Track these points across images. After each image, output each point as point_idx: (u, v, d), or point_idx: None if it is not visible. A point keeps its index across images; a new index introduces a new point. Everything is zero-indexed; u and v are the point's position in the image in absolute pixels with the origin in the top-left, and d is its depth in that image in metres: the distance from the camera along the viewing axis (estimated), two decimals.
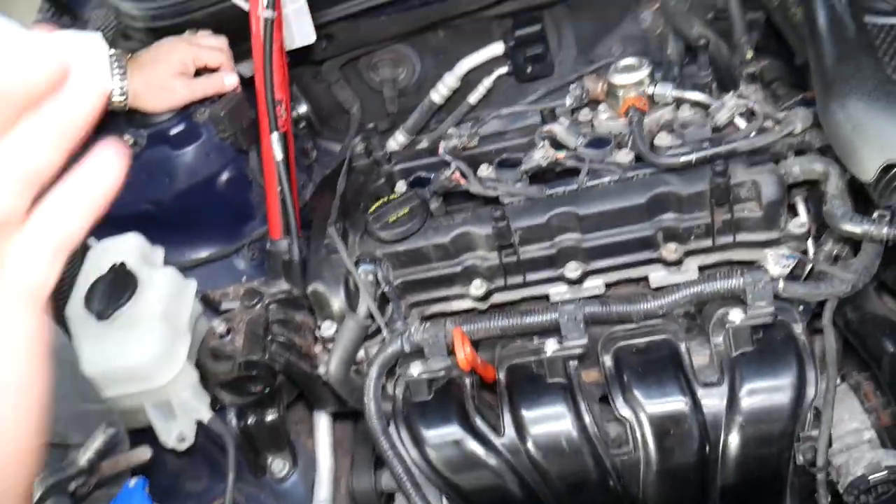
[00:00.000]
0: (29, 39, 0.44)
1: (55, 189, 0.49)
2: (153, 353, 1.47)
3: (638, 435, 1.27)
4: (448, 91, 2.07)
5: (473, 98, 2.08)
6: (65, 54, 0.45)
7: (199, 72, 1.72)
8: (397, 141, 2.14)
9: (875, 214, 1.21)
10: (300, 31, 1.68)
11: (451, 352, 1.30)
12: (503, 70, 2.04)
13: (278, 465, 1.69)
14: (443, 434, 1.31)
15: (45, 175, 0.48)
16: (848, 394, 1.37)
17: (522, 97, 2.11)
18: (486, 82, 2.05)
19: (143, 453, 1.43)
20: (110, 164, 0.51)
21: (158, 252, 1.69)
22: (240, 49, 1.74)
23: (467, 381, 1.35)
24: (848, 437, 1.32)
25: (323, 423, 1.69)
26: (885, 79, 1.17)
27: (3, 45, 0.43)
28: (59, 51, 0.45)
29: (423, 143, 2.12)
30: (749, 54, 1.60)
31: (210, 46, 1.71)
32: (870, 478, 1.25)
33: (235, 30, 1.66)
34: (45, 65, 0.44)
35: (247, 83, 1.79)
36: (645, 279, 1.42)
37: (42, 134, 0.46)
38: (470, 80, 2.07)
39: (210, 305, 1.72)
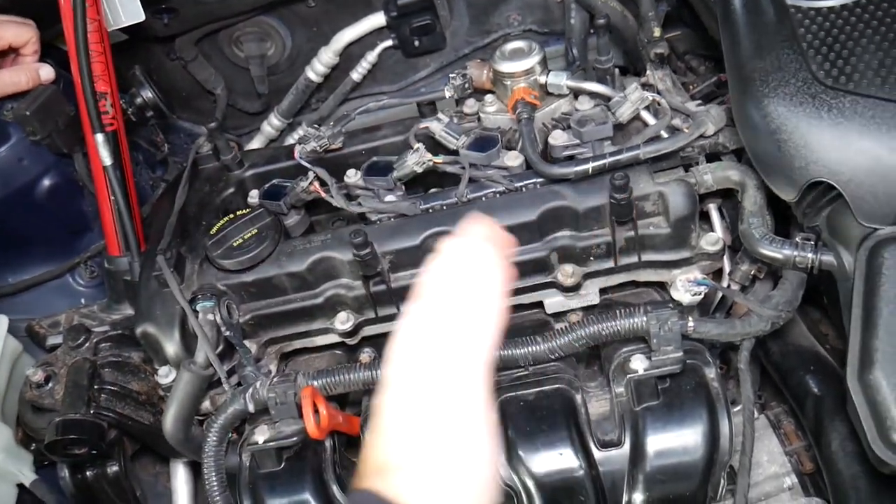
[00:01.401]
0: None
1: None
2: None
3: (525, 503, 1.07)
4: (325, 68, 1.79)
5: (356, 75, 1.81)
6: None
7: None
8: (272, 125, 1.87)
9: (798, 237, 1.03)
10: (125, 7, 1.38)
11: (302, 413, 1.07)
12: (388, 43, 1.77)
13: None
14: None
15: None
16: (767, 431, 1.21)
17: (413, 73, 1.86)
18: (370, 57, 1.79)
19: None
20: None
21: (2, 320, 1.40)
22: (52, 31, 1.43)
23: (327, 444, 1.13)
24: (766, 483, 1.16)
25: (180, 472, 1.45)
26: (809, 78, 0.97)
27: None
28: None
29: (303, 126, 1.86)
30: (657, 32, 1.37)
31: (15, 22, 1.39)
32: None
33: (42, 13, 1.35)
34: None
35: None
36: (540, 304, 1.22)
37: None
38: (351, 55, 1.80)
39: (35, 339, 1.45)
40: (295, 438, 1.09)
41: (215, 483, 1.10)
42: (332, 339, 1.25)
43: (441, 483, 0.62)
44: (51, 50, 1.56)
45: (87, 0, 1.28)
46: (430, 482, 0.62)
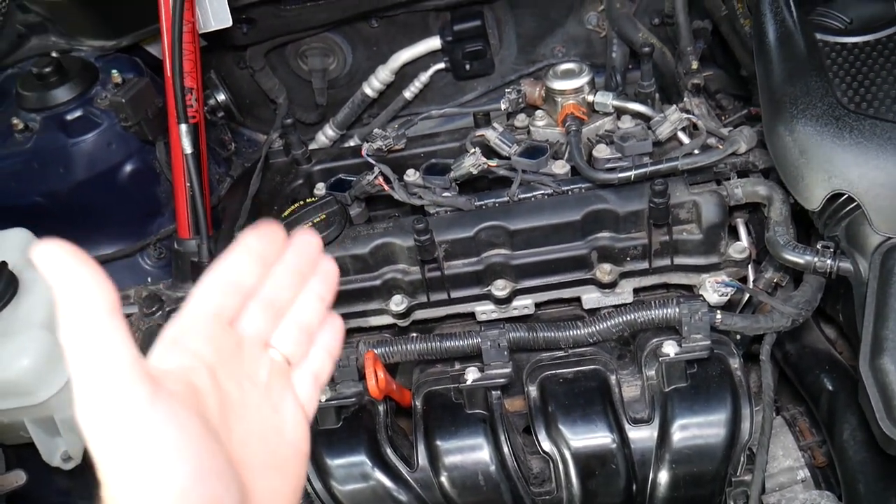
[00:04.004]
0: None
1: (318, 338, 0.66)
2: (32, 365, 1.31)
3: (561, 472, 1.17)
4: (381, 85, 1.94)
5: (409, 93, 1.96)
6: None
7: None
8: (326, 135, 2.01)
9: (819, 245, 1.14)
10: (216, 12, 1.53)
11: (363, 376, 1.19)
12: (440, 66, 1.92)
13: None
14: (350, 465, 1.20)
15: (315, 327, 0.65)
16: (783, 428, 1.30)
17: (460, 95, 2.00)
18: (423, 77, 1.94)
19: (16, 478, 1.28)
20: (338, 323, 0.68)
21: None
22: (148, 29, 1.58)
23: (380, 408, 1.24)
24: (781, 475, 1.25)
25: None
26: (834, 103, 1.10)
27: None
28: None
29: (354, 139, 2.00)
30: (694, 65, 1.52)
31: None
32: None
33: (144, 8, 1.50)
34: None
35: (156, 68, 1.63)
36: (577, 300, 1.33)
37: (314, 302, 0.65)
38: (405, 75, 1.95)
39: None
40: (353, 399, 1.20)
41: None
42: (385, 320, 1.36)
43: None
44: (139, 51, 1.72)
45: (185, 2, 1.43)
46: None
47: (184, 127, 1.47)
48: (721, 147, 1.28)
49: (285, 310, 0.63)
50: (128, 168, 1.59)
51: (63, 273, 0.48)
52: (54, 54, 1.62)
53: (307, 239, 0.65)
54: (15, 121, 1.53)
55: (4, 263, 1.37)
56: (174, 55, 1.44)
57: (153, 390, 0.49)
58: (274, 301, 0.62)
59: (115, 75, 1.57)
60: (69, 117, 1.54)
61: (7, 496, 1.28)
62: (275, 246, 0.63)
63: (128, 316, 1.50)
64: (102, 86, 1.57)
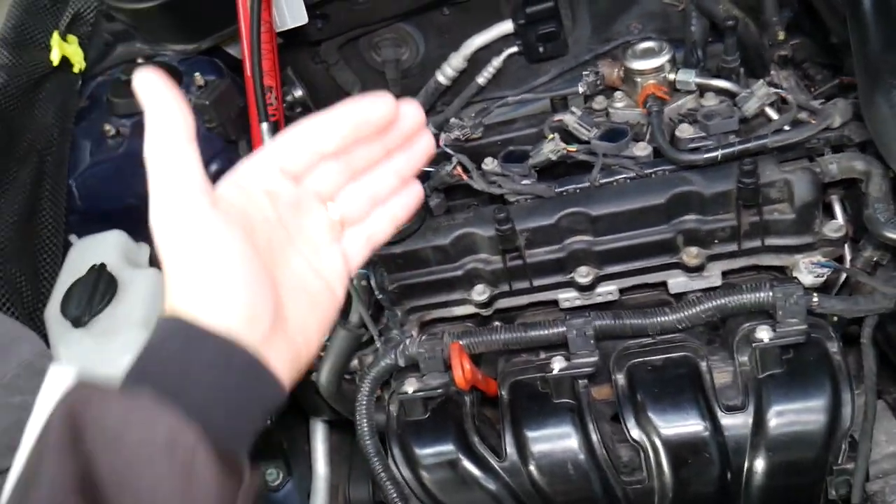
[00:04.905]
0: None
1: (384, 203, 0.69)
2: None
3: (652, 461, 1.16)
4: (454, 72, 1.93)
5: (482, 79, 1.93)
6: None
7: None
8: None
9: None
10: (291, 11, 1.56)
11: (448, 367, 1.20)
12: (513, 49, 1.89)
13: (272, 473, 1.60)
14: (438, 454, 1.21)
15: (384, 197, 0.69)
16: (885, 412, 1.25)
17: (534, 78, 1.96)
18: (495, 63, 1.91)
19: None
20: (416, 191, 0.70)
21: (143, 250, 1.59)
22: (228, 31, 1.62)
23: (466, 398, 1.24)
24: (884, 462, 1.20)
25: (319, 430, 1.60)
26: None
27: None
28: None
29: (429, 128, 2.00)
30: (781, 35, 1.45)
31: None
32: None
33: (223, 10, 1.54)
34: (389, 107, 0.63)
35: (234, 68, 1.67)
36: (663, 285, 1.30)
37: (390, 176, 0.68)
38: (478, 61, 1.93)
39: None
40: (440, 390, 1.21)
41: (366, 428, 1.23)
42: (468, 310, 1.37)
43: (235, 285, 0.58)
44: (219, 52, 1.76)
45: (262, 2, 1.46)
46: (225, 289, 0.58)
47: (265, 126, 1.51)
48: (813, 122, 1.22)
49: (358, 174, 0.67)
50: (213, 168, 1.63)
51: (156, 98, 0.59)
52: (140, 60, 1.67)
53: (409, 113, 0.66)
54: (107, 127, 1.59)
55: (103, 265, 1.44)
56: (253, 55, 1.48)
57: (215, 202, 0.59)
58: (349, 165, 0.66)
59: (198, 78, 1.62)
60: None
61: None
62: (372, 119, 0.64)
63: None
64: (186, 88, 1.62)
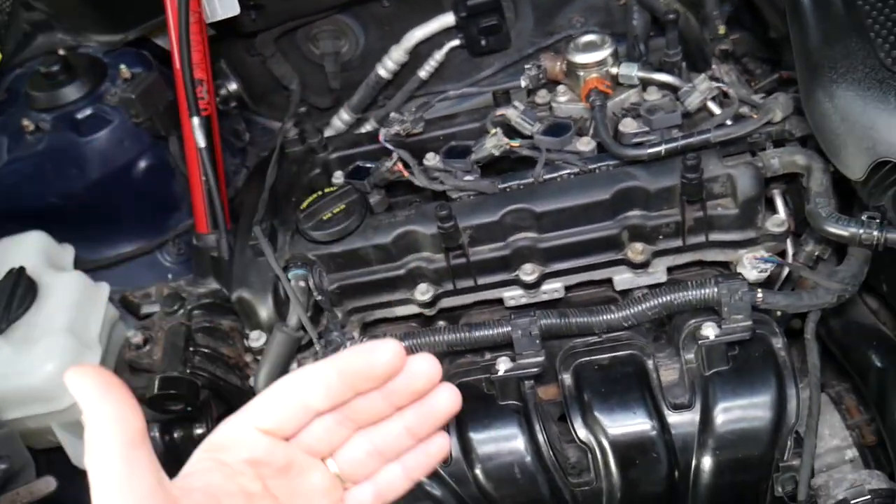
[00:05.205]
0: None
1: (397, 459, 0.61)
2: (56, 370, 1.30)
3: (600, 461, 1.14)
4: (395, 65, 1.89)
5: (424, 73, 1.90)
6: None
7: None
8: (342, 119, 1.96)
9: (864, 216, 1.08)
10: (223, 1, 1.49)
11: None
12: (455, 43, 1.86)
13: None
14: None
15: (391, 455, 0.60)
16: (828, 406, 1.25)
17: (477, 72, 1.93)
18: (438, 56, 1.87)
19: (46, 484, 1.27)
20: (439, 446, 0.62)
21: (67, 251, 1.51)
22: (155, 21, 1.54)
23: None
24: (828, 455, 1.21)
25: None
26: (877, 64, 1.03)
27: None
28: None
29: (371, 122, 1.95)
30: (721, 29, 1.45)
31: None
32: (852, 502, 1.13)
33: (150, 1, 1.46)
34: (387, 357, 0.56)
35: (164, 60, 1.59)
36: (609, 282, 1.28)
37: (399, 432, 0.60)
38: (419, 54, 1.89)
39: (129, 308, 1.55)
40: None
41: None
42: (411, 310, 1.33)
43: None
44: (146, 43, 1.68)
45: None
46: None
47: (196, 120, 1.44)
48: (755, 116, 1.22)
49: (361, 427, 0.60)
50: (142, 164, 1.56)
51: (90, 401, 0.50)
52: (61, 52, 1.58)
53: (420, 365, 0.58)
54: (26, 122, 1.50)
55: (22, 269, 1.35)
56: (182, 47, 1.40)
57: None
58: (349, 418, 0.59)
59: (124, 70, 1.54)
60: (80, 116, 1.51)
61: (38, 503, 1.27)
62: (376, 372, 0.56)
63: (150, 315, 1.48)
64: (112, 82, 1.54)
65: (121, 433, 0.50)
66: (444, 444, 0.61)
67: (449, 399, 0.59)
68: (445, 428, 0.63)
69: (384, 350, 0.56)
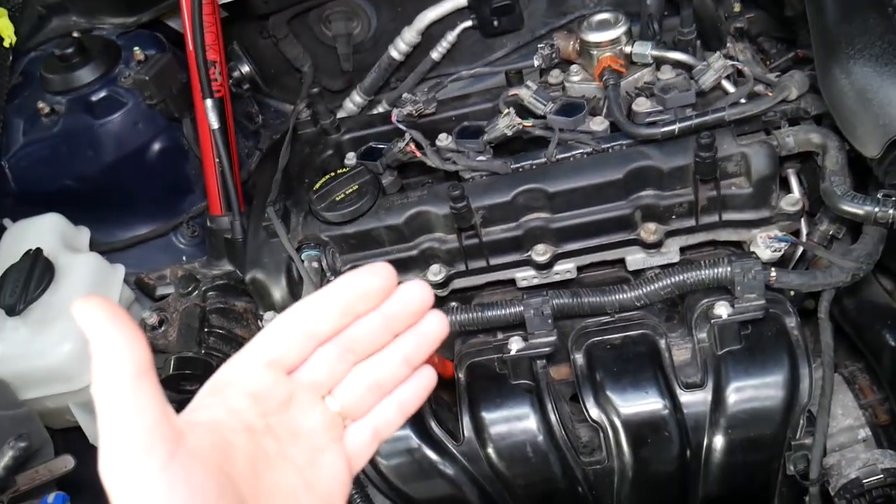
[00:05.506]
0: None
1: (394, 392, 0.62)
2: (73, 351, 1.31)
3: (612, 441, 1.14)
4: (408, 47, 1.88)
5: (436, 54, 1.89)
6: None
7: None
8: (354, 102, 1.96)
9: (880, 194, 1.07)
10: None
11: None
12: (468, 23, 1.85)
13: None
14: (393, 440, 1.18)
15: (389, 386, 0.62)
16: (841, 386, 1.25)
17: (489, 53, 1.93)
18: (450, 37, 1.87)
19: (65, 463, 1.28)
20: (428, 377, 0.63)
21: (83, 233, 1.52)
22: (168, 3, 1.54)
23: None
24: (841, 435, 1.20)
25: None
26: (895, 40, 1.02)
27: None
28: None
29: (383, 104, 1.95)
30: (737, 7, 1.44)
31: None
32: (864, 481, 1.14)
33: None
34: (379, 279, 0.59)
35: (177, 42, 1.60)
36: (621, 262, 1.28)
37: (396, 361, 0.61)
38: (432, 35, 1.88)
39: (144, 290, 1.56)
40: None
41: None
42: None
43: None
44: (160, 26, 1.68)
45: None
46: None
47: (209, 102, 1.44)
48: (770, 94, 1.21)
49: (360, 361, 0.61)
50: (156, 147, 1.57)
51: (98, 331, 0.50)
52: (76, 34, 1.59)
53: (414, 290, 0.60)
54: (41, 105, 1.51)
55: (39, 250, 1.37)
56: (195, 28, 1.41)
57: (170, 452, 0.51)
58: (349, 350, 0.60)
59: (138, 52, 1.54)
60: (94, 98, 1.52)
61: (57, 481, 1.29)
62: (371, 292, 0.59)
63: (165, 297, 1.49)
64: (125, 64, 1.54)
65: (128, 363, 0.51)
66: (432, 375, 0.63)
67: (439, 322, 0.61)
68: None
69: (377, 268, 0.59)
